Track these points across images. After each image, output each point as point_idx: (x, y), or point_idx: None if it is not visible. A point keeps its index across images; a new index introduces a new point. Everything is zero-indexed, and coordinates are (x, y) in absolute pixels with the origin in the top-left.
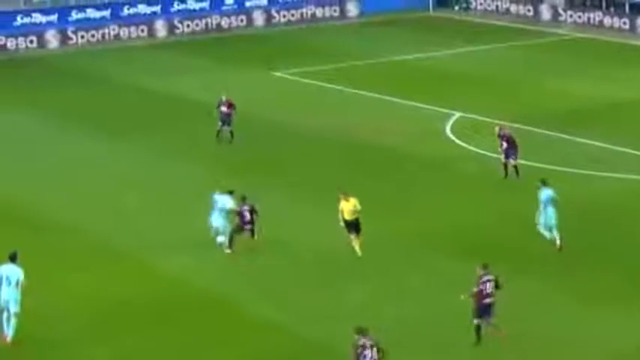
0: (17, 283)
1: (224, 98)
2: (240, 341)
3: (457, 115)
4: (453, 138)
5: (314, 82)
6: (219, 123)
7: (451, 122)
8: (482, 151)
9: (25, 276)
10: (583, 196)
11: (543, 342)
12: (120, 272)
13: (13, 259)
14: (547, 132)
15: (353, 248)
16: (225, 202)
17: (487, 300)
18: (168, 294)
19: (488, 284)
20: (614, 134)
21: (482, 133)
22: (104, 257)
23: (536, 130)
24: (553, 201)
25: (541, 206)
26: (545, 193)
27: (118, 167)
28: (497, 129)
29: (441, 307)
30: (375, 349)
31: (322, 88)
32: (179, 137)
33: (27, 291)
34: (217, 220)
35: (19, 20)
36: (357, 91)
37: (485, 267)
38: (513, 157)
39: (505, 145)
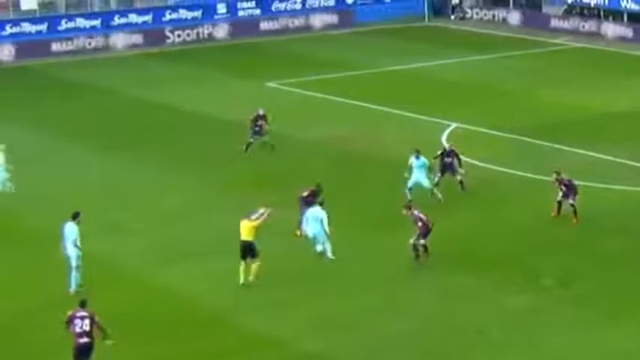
0: (74, 241)
1: (262, 112)
2: (234, 354)
3: (453, 125)
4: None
5: (307, 92)
6: (251, 135)
7: (447, 133)
8: (477, 163)
9: (79, 236)
10: (580, 207)
11: (542, 354)
12: (114, 284)
13: (74, 217)
14: (543, 143)
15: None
16: (317, 213)
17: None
18: (163, 306)
19: (422, 216)
20: (610, 145)
21: (478, 145)
22: (97, 268)
23: (532, 141)
24: (428, 168)
25: (423, 171)
26: (422, 161)
27: (108, 178)
28: (447, 145)
29: (439, 319)
30: (87, 320)
31: (315, 98)
32: (171, 148)
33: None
34: (314, 228)
35: (8, 29)
36: (351, 101)
37: (408, 207)
38: (454, 171)
39: (450, 160)
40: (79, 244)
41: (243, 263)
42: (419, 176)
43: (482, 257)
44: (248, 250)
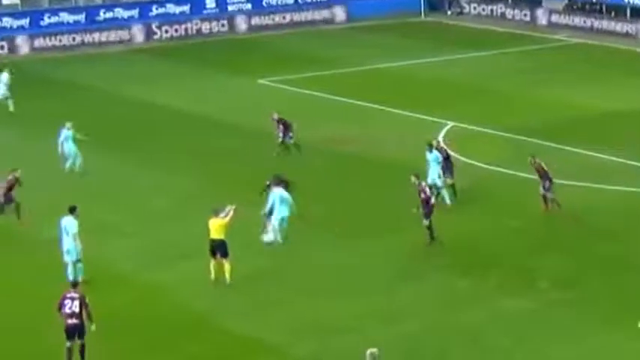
0: (74, 235)
1: (275, 116)
2: (226, 359)
3: (450, 124)
4: (446, 149)
5: (300, 90)
6: (280, 136)
7: (444, 132)
8: (474, 162)
9: (79, 229)
10: (577, 208)
11: (541, 357)
12: (104, 286)
13: (71, 211)
14: (542, 142)
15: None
16: (285, 194)
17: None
18: (153, 309)
19: (427, 190)
20: (610, 145)
21: (475, 144)
22: (86, 270)
23: (530, 139)
24: (438, 162)
25: (435, 166)
26: (435, 155)
27: (96, 178)
28: (434, 142)
29: (436, 323)
30: (76, 301)
31: (308, 96)
32: (159, 147)
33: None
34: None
35: None
36: (345, 99)
37: (417, 176)
38: (449, 175)
39: (442, 157)
40: (78, 238)
41: (213, 260)
42: (433, 172)
43: (479, 259)
44: (220, 249)
